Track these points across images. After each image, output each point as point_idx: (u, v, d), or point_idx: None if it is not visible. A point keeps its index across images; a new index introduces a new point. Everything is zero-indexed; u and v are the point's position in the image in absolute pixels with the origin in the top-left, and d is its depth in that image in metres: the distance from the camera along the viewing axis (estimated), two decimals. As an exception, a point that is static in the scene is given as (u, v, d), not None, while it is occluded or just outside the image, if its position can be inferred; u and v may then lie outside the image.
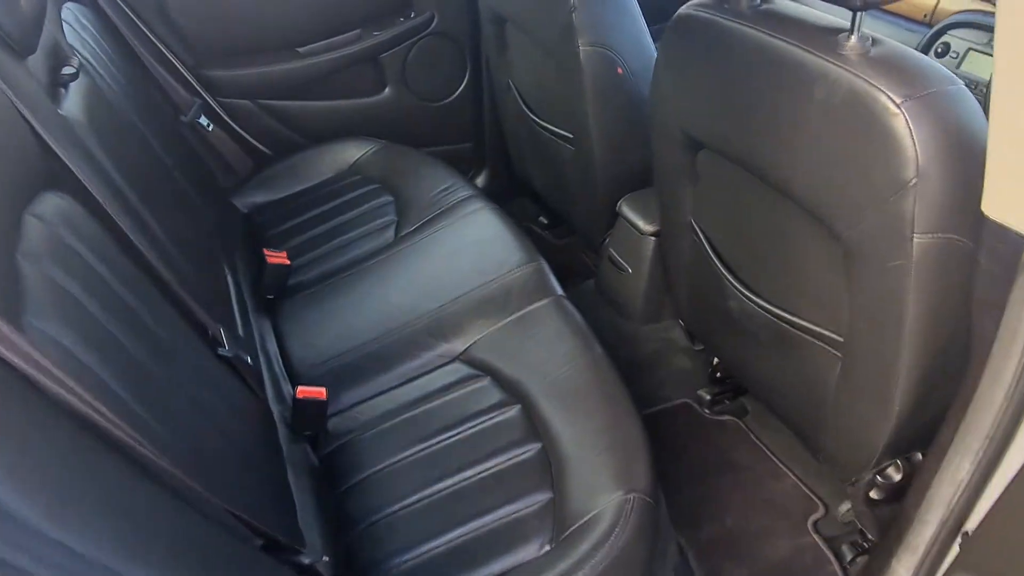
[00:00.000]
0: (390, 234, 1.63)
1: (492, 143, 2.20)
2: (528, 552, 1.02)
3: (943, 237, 0.86)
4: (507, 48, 1.82)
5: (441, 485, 1.12)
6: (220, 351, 1.04)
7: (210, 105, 1.82)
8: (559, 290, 1.39)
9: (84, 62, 1.19)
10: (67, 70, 1.00)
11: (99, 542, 0.50)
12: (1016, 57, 0.69)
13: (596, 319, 1.75)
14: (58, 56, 1.04)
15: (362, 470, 1.17)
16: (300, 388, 1.23)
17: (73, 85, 1.02)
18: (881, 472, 1.20)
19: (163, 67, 1.64)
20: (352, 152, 1.92)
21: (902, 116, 0.81)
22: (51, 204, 0.79)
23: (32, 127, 0.80)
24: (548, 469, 1.11)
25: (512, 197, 2.30)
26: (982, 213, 0.78)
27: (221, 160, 1.82)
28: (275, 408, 1.23)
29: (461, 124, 2.15)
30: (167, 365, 0.87)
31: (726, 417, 1.64)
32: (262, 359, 1.34)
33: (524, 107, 1.84)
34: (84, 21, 1.36)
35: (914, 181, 0.83)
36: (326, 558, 0.87)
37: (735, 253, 1.26)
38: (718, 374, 1.65)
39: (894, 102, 0.82)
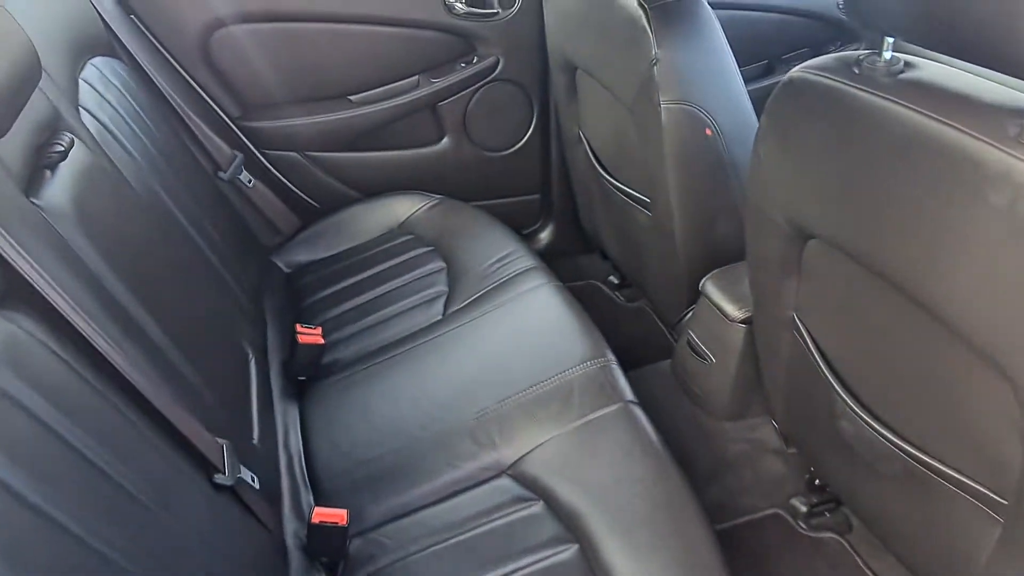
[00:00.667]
0: (438, 309, 1.45)
1: (559, 196, 2.00)
2: None
3: None
4: (578, 97, 1.62)
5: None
6: (217, 479, 0.87)
7: (254, 159, 1.69)
8: (629, 393, 1.17)
9: (96, 130, 1.06)
10: (56, 147, 0.86)
11: None
12: None
13: (670, 409, 1.52)
14: (50, 131, 0.89)
15: (384, 615, 0.98)
16: (317, 510, 1.05)
17: (64, 165, 0.87)
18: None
19: (203, 120, 1.52)
20: (405, 208, 1.76)
21: None
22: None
23: None
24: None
25: (579, 252, 2.09)
26: None
27: (263, 218, 1.68)
28: (289, 526, 1.05)
29: (526, 176, 1.96)
30: (130, 523, 0.70)
31: (826, 534, 1.37)
32: (282, 460, 1.16)
33: (595, 162, 1.64)
34: (111, 77, 1.24)
35: None
36: None
37: (853, 365, 1.01)
38: (816, 481, 1.38)
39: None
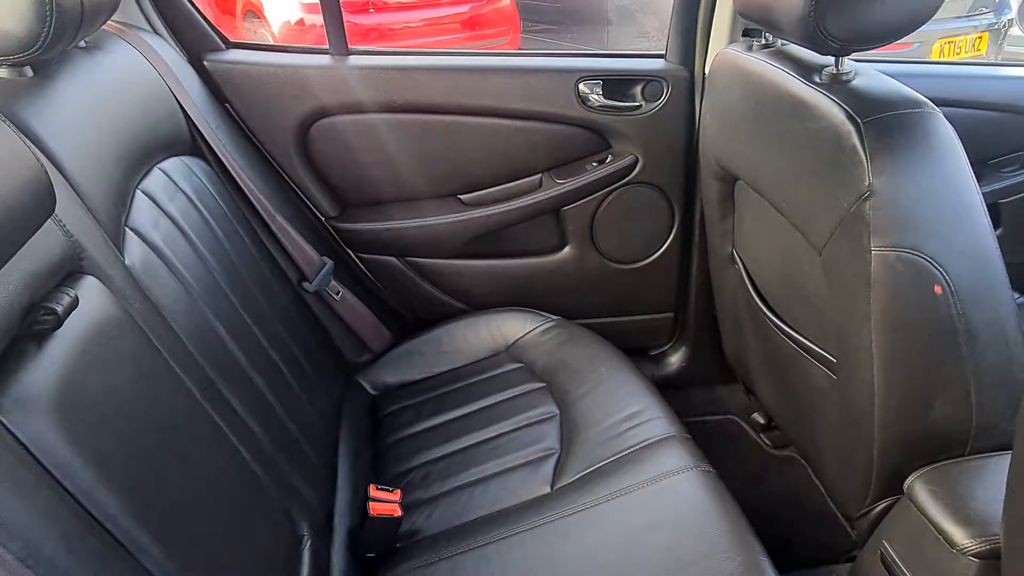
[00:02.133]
0: (546, 473, 1.15)
1: (697, 316, 1.67)
2: None
3: None
4: (735, 212, 1.31)
5: None
6: None
7: (346, 264, 1.48)
8: None
9: (140, 257, 0.85)
10: (50, 312, 0.63)
11: None
12: None
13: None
14: (47, 283, 0.67)
15: None
16: None
17: (61, 332, 0.65)
18: None
19: (293, 223, 1.32)
20: (515, 328, 1.48)
21: None
22: None
23: None
24: None
25: (718, 382, 1.75)
26: None
27: (350, 332, 1.45)
28: None
29: (659, 292, 1.65)
30: None
31: None
32: None
33: (753, 292, 1.30)
34: (183, 180, 1.05)
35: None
36: None
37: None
38: None
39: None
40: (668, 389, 1.78)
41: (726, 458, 1.79)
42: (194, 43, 1.32)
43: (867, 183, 0.87)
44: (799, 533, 1.39)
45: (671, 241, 1.59)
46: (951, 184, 0.90)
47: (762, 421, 1.66)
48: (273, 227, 1.28)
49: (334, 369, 1.38)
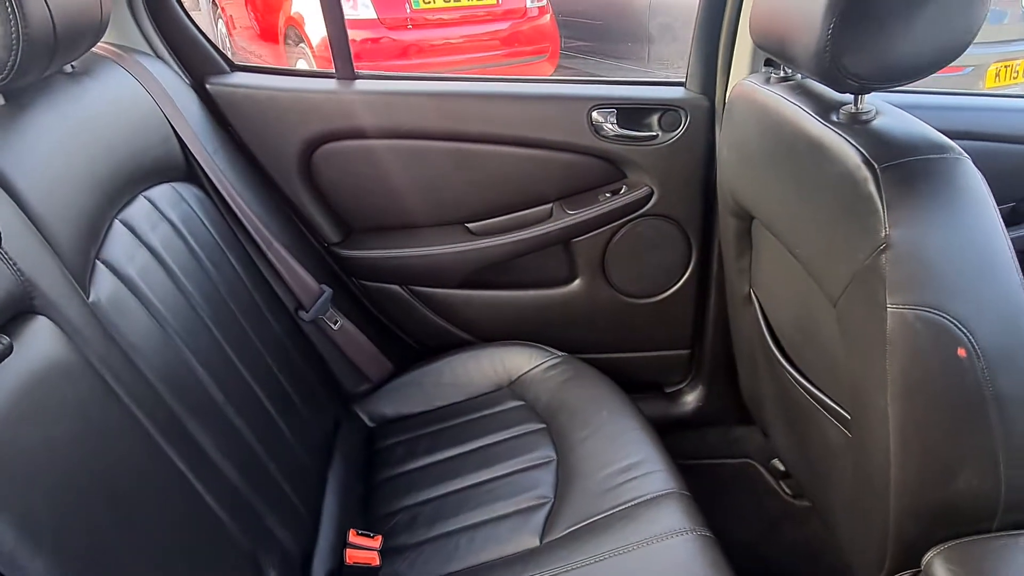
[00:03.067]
0: (536, 524, 1.08)
1: (714, 354, 1.59)
2: None
3: None
4: (752, 250, 1.23)
5: None
6: None
7: (346, 292, 1.45)
8: None
9: (108, 293, 0.82)
10: None
11: None
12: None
13: None
14: None
15: None
16: None
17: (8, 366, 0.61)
18: None
19: (291, 250, 1.29)
20: (519, 362, 1.43)
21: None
22: None
23: None
24: None
25: (735, 423, 1.66)
26: None
27: (349, 363, 1.40)
28: None
29: (674, 328, 1.58)
30: None
31: None
32: None
33: (768, 335, 1.22)
34: (166, 210, 1.02)
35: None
36: None
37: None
38: None
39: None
40: (683, 429, 1.71)
41: (742, 503, 1.70)
42: (197, 66, 1.30)
43: (883, 234, 0.80)
44: (805, 566, 1.31)
45: (688, 276, 1.52)
46: (977, 236, 0.82)
47: (781, 468, 1.57)
48: (269, 254, 1.25)
49: (329, 401, 1.35)
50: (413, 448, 1.31)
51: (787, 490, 1.59)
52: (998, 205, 1.66)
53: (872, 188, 0.81)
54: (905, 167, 0.80)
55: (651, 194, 1.43)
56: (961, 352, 0.83)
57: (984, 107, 1.51)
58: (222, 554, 0.85)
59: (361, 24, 4.23)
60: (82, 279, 0.80)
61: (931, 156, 0.82)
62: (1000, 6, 4.31)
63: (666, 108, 1.38)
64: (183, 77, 1.27)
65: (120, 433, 0.74)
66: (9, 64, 0.75)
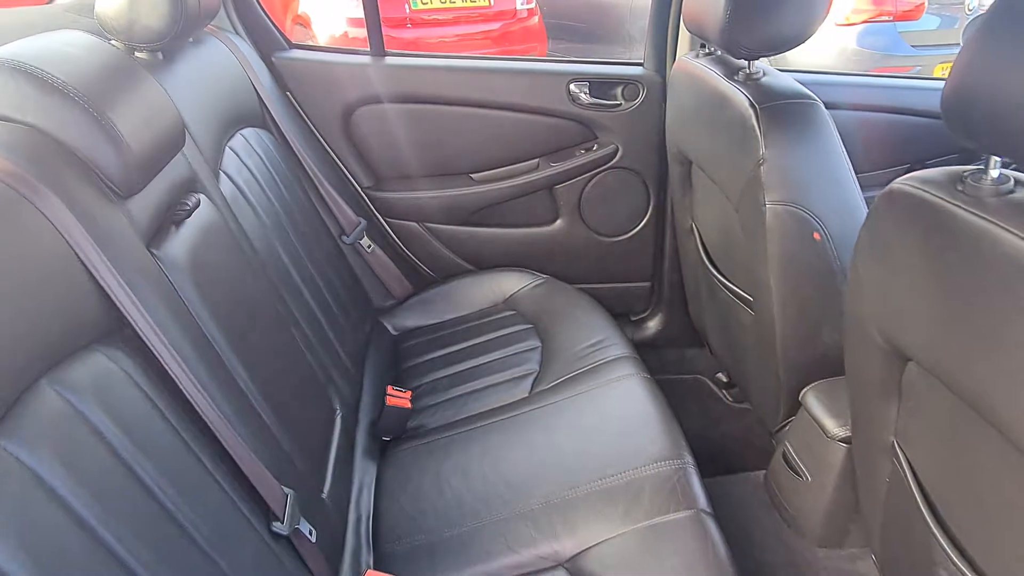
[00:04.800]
0: (526, 386, 1.45)
1: (670, 286, 1.97)
2: None
3: None
4: (692, 189, 1.61)
5: None
6: (275, 527, 0.91)
7: (376, 226, 1.82)
8: (703, 501, 1.10)
9: (230, 191, 1.19)
10: (184, 205, 0.97)
11: None
12: None
13: (759, 526, 1.42)
14: (181, 190, 1.02)
15: None
16: (370, 572, 1.06)
17: (188, 222, 0.99)
18: None
19: (336, 188, 1.66)
20: (511, 284, 1.80)
21: None
22: (91, 368, 0.72)
23: (94, 277, 0.74)
24: None
25: (687, 345, 2.04)
26: None
27: (378, 281, 1.78)
28: None
29: (638, 263, 1.96)
30: (192, 561, 0.75)
31: None
32: (351, 517, 1.20)
33: (704, 255, 1.61)
34: (256, 145, 1.39)
35: None
36: None
37: (955, 507, 0.90)
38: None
39: None
40: (645, 351, 2.08)
41: (692, 409, 2.07)
42: (265, 43, 1.67)
43: (761, 153, 1.18)
44: (736, 447, 1.67)
45: (647, 219, 1.89)
46: (826, 158, 1.20)
47: (724, 379, 1.95)
48: (321, 190, 1.62)
49: (362, 313, 1.71)
50: (430, 346, 1.68)
51: (728, 397, 1.96)
52: (894, 166, 2.07)
53: (754, 122, 1.19)
54: (776, 107, 1.19)
55: (617, 151, 1.81)
56: (816, 236, 1.22)
57: (882, 86, 1.91)
58: (310, 377, 1.23)
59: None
60: (215, 179, 1.17)
61: (794, 100, 1.20)
62: (952, 12, 4.74)
63: (628, 82, 1.76)
64: (255, 51, 1.64)
65: (251, 275, 1.11)
66: (174, 30, 1.12)
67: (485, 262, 1.88)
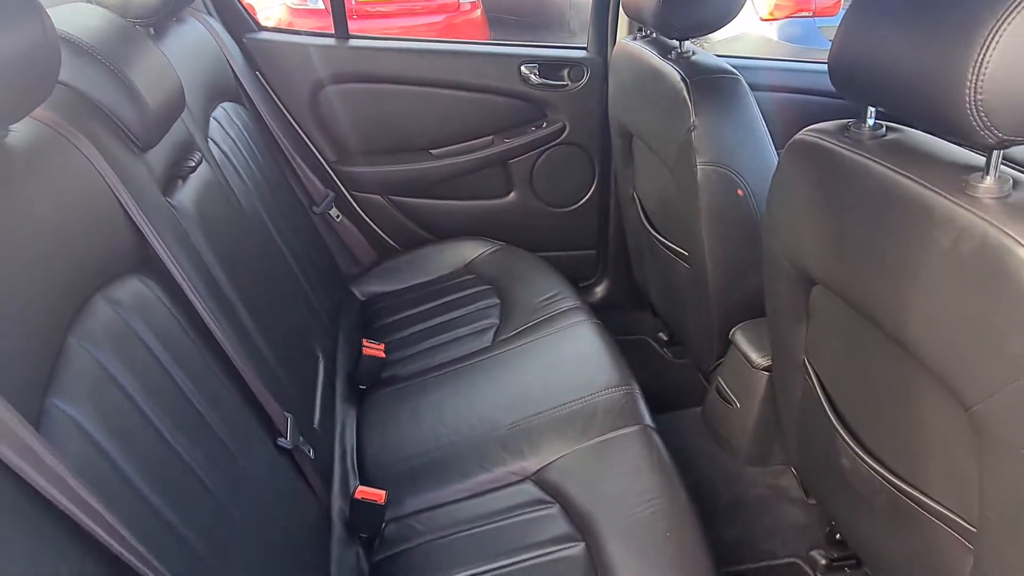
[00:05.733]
0: (488, 337, 1.61)
1: (615, 253, 2.15)
2: None
3: (1101, 426, 0.69)
4: (633, 161, 1.79)
5: (483, 618, 1.03)
6: (280, 442, 1.04)
7: (343, 198, 1.94)
8: (648, 419, 1.28)
9: (219, 155, 1.30)
10: (189, 163, 1.09)
11: None
12: None
13: (697, 451, 1.61)
14: (185, 151, 1.13)
15: (408, 586, 1.11)
16: (360, 488, 1.20)
17: (192, 176, 1.10)
18: None
19: (305, 161, 1.77)
20: (470, 251, 1.94)
21: (1045, 275, 0.68)
22: (130, 290, 0.84)
23: (128, 215, 0.86)
24: (601, 622, 0.99)
25: (631, 309, 2.22)
26: None
27: (346, 250, 1.90)
28: (336, 504, 1.20)
29: (585, 232, 2.13)
30: (212, 459, 0.87)
31: (844, 590, 1.41)
32: (337, 450, 1.33)
33: (645, 220, 1.79)
34: (235, 118, 1.50)
35: (1059, 353, 0.68)
36: None
37: (850, 403, 1.10)
38: (838, 535, 1.43)
39: (1035, 258, 0.68)
40: (594, 313, 2.26)
41: (637, 365, 2.25)
42: (236, 24, 1.77)
43: (692, 120, 1.36)
44: (677, 393, 1.85)
45: (593, 191, 2.07)
46: (747, 124, 1.39)
47: (664, 338, 2.14)
48: (293, 164, 1.74)
49: (334, 274, 1.83)
50: (396, 309, 1.81)
51: (669, 354, 2.15)
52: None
53: (685, 94, 1.37)
54: (704, 81, 1.37)
55: (564, 128, 1.98)
56: (740, 192, 1.41)
57: (797, 70, 2.13)
58: (297, 326, 1.35)
59: (312, 13, 4.65)
60: (207, 144, 1.28)
61: (719, 75, 1.39)
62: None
63: (573, 64, 1.93)
64: (227, 31, 1.73)
65: (245, 221, 1.23)
66: (167, 6, 1.23)
67: (445, 232, 2.02)
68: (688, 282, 1.61)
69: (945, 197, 0.77)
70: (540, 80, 1.92)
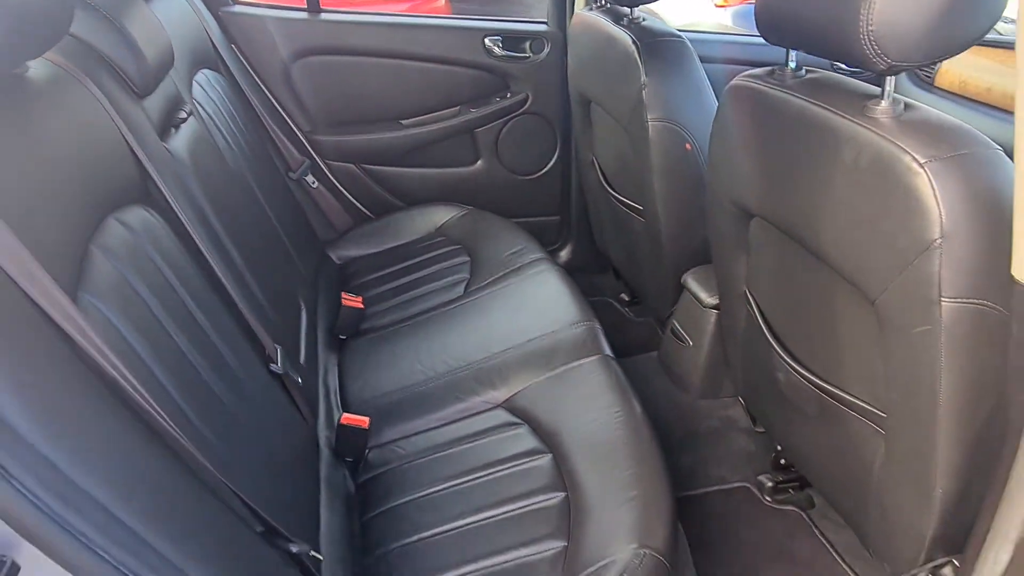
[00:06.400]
0: (460, 289, 1.72)
1: (578, 218, 2.27)
2: (533, 596, 1.02)
3: (974, 303, 0.83)
4: (592, 126, 1.91)
5: (462, 522, 1.14)
6: (272, 367, 1.14)
7: (318, 166, 2.03)
8: (607, 350, 1.40)
9: (204, 115, 1.39)
10: (180, 114, 1.18)
11: (88, 472, 0.57)
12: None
13: (654, 389, 1.75)
14: (175, 103, 1.23)
15: (391, 499, 1.21)
16: (345, 415, 1.30)
17: (184, 126, 1.20)
18: (938, 571, 1.10)
19: (280, 130, 1.86)
20: (440, 216, 2.05)
21: (925, 175, 0.81)
22: (138, 216, 0.93)
23: (133, 152, 0.95)
24: (567, 518, 1.11)
25: (594, 272, 2.34)
26: (1012, 278, 0.75)
27: (322, 216, 2.00)
28: (323, 434, 1.31)
29: (548, 198, 2.25)
30: (220, 373, 0.97)
31: (788, 507, 1.55)
32: (320, 390, 1.43)
33: (604, 182, 1.91)
34: (215, 84, 1.59)
35: (939, 242, 0.81)
36: (315, 553, 0.90)
37: (784, 323, 1.24)
38: (782, 461, 1.57)
39: (917, 162, 0.82)
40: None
41: (600, 323, 2.39)
42: (212, -1, 1.86)
43: (642, 80, 1.49)
44: (638, 343, 1.98)
45: (556, 159, 2.19)
46: (693, 84, 1.52)
47: (626, 298, 2.27)
48: (270, 131, 1.82)
49: (309, 245, 1.92)
50: (372, 269, 1.91)
51: (630, 313, 2.29)
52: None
53: (636, 56, 1.50)
54: (653, 43, 1.50)
55: (527, 98, 2.09)
56: (688, 146, 1.54)
57: (745, 43, 2.27)
58: (281, 275, 1.45)
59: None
60: (192, 100, 1.37)
61: (667, 38, 1.52)
62: None
63: (534, 37, 2.04)
64: (204, 4, 1.81)
65: (232, 188, 1.33)
66: None
67: (416, 199, 2.12)
68: (644, 236, 1.74)
69: (849, 119, 0.91)
70: (504, 52, 2.04)
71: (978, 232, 0.81)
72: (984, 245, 0.81)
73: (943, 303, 0.83)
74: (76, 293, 0.73)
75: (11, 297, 0.61)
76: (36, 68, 0.85)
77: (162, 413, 0.70)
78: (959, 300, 0.83)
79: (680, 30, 1.73)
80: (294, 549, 0.79)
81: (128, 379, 0.68)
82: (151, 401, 0.69)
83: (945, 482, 0.94)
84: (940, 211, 0.80)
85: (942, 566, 1.09)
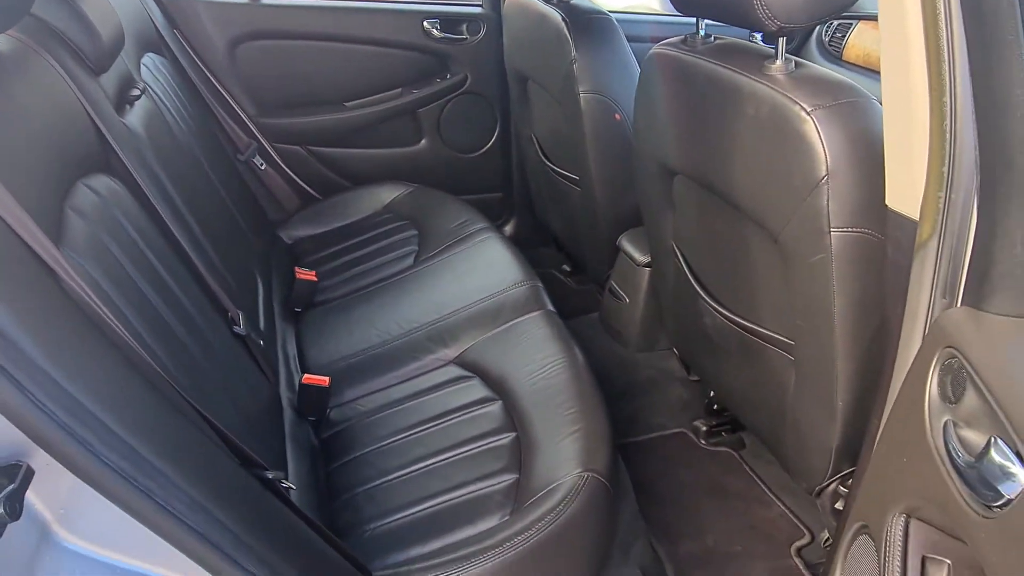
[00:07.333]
0: (410, 260, 1.80)
1: (519, 193, 2.37)
2: (489, 522, 1.11)
3: (857, 231, 0.96)
4: (529, 103, 2.02)
5: (420, 464, 1.24)
6: (235, 329, 1.21)
7: (265, 148, 2.08)
8: (549, 305, 1.51)
9: (154, 95, 1.44)
10: (133, 92, 1.23)
11: (84, 389, 0.64)
12: (898, 61, 0.80)
13: (596, 346, 1.87)
14: (128, 82, 1.28)
15: (354, 451, 1.30)
16: (306, 376, 1.38)
17: (138, 104, 1.25)
18: (845, 483, 1.25)
19: (226, 112, 1.91)
20: (387, 194, 2.12)
21: (812, 122, 0.94)
22: (104, 184, 0.99)
23: (95, 123, 1.01)
24: (518, 454, 1.21)
25: (537, 245, 2.45)
26: (886, 207, 0.88)
27: (271, 197, 2.05)
28: (285, 396, 1.38)
29: (491, 175, 2.34)
30: (188, 328, 1.03)
31: (722, 448, 1.69)
32: (280, 356, 1.50)
33: (542, 155, 2.02)
34: (161, 68, 1.63)
35: (825, 179, 0.94)
36: (287, 483, 0.98)
37: (707, 271, 1.37)
38: (715, 406, 1.71)
39: (805, 110, 0.94)
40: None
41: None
42: (154, -16, 1.88)
43: (572, 55, 1.60)
44: (580, 308, 2.10)
45: (496, 136, 2.28)
46: (620, 58, 1.64)
47: (568, 269, 2.39)
48: (215, 113, 1.87)
49: (260, 225, 1.98)
50: (324, 247, 1.98)
51: (573, 283, 2.40)
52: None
53: (567, 33, 1.60)
54: (581, 20, 1.61)
55: (466, 79, 2.18)
56: (617, 116, 1.65)
57: (673, 23, 2.40)
58: (238, 247, 1.51)
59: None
60: (142, 81, 1.42)
61: (594, 15, 1.63)
62: None
63: (471, 20, 2.13)
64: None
65: (187, 163, 1.38)
66: None
67: (363, 179, 2.19)
68: (581, 204, 1.85)
69: (749, 77, 1.03)
70: (442, 35, 2.12)
71: (857, 169, 0.94)
72: (863, 180, 0.94)
73: (832, 233, 0.96)
74: (57, 247, 0.80)
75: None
76: (1, 43, 0.90)
77: (141, 352, 0.77)
78: (844, 229, 0.96)
79: (610, 12, 1.85)
80: (269, 475, 0.87)
81: (109, 317, 0.74)
82: (131, 340, 0.76)
83: (844, 395, 1.07)
84: (825, 152, 0.93)
85: (848, 476, 1.24)
